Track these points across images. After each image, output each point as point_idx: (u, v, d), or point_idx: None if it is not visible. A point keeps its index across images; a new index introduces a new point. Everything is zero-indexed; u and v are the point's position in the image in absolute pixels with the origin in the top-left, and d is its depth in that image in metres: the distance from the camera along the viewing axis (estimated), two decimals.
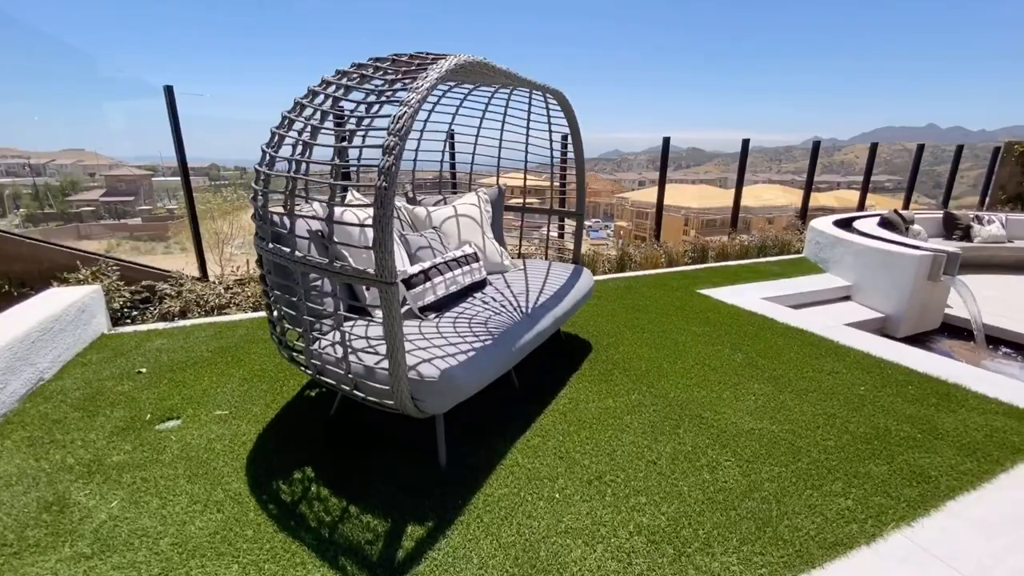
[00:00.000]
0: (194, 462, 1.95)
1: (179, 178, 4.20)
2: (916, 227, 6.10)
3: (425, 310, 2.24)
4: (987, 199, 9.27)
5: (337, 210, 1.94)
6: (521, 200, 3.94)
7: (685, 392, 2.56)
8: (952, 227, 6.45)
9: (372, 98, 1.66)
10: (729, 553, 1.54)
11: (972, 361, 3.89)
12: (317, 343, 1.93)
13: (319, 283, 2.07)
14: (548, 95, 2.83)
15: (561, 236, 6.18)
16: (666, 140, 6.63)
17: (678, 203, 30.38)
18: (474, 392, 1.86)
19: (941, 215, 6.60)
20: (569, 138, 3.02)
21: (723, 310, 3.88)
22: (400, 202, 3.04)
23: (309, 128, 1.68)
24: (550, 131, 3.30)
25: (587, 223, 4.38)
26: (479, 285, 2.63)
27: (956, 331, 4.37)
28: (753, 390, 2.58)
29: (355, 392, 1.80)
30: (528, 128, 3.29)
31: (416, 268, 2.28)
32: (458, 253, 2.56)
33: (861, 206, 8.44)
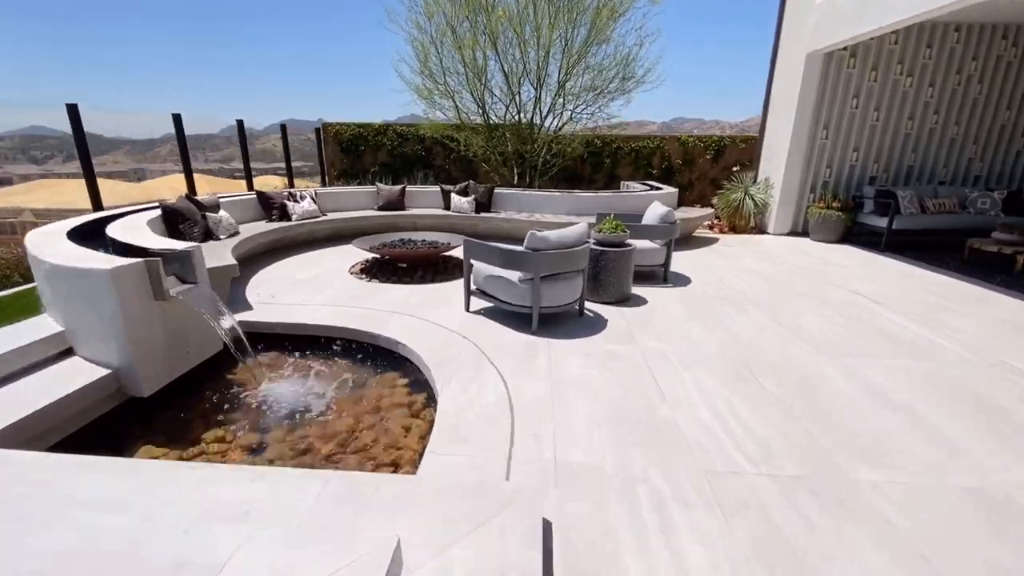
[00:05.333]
0: None
1: None
2: (221, 213, 5.04)
3: None
4: (325, 176, 10.20)
5: None
6: None
7: None
8: (269, 207, 5.93)
9: None
10: None
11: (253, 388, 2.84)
12: None
13: None
14: None
15: None
16: None
17: (79, 205, 21.51)
18: None
19: (255, 196, 5.96)
20: None
21: None
22: None
23: None
24: None
25: None
26: None
27: (267, 339, 3.32)
28: None
29: None
30: None
31: None
32: None
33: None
